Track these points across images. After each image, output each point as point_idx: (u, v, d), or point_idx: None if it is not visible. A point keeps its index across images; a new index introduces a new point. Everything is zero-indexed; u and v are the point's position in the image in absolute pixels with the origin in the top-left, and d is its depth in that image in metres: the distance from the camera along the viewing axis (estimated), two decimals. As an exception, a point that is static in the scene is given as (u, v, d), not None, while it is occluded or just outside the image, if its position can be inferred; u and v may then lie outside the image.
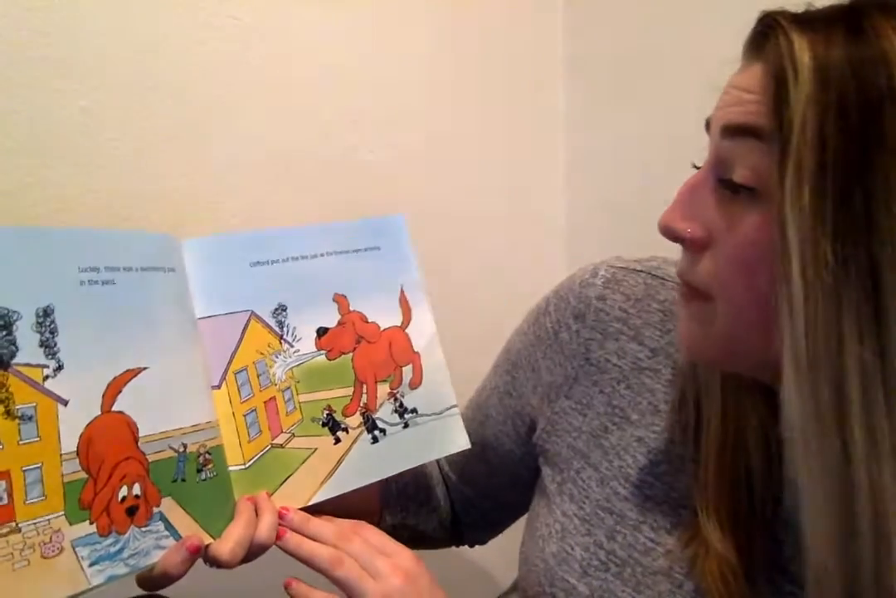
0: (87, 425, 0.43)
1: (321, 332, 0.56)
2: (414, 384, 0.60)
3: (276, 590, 0.52)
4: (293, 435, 0.54)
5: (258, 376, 0.53)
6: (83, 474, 0.43)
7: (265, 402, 0.53)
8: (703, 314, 0.45)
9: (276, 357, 0.54)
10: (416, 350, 0.60)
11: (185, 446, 0.47)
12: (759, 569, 0.47)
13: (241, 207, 0.79)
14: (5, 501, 0.40)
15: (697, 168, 0.45)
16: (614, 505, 0.53)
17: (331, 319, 0.57)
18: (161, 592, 0.47)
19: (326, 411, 0.55)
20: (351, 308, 0.58)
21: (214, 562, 0.47)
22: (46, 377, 0.42)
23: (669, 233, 0.45)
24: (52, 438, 0.42)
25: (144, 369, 0.46)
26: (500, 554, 0.80)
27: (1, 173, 0.66)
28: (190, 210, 0.76)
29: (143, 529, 0.45)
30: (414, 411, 0.59)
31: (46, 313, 0.43)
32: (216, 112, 0.77)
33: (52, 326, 0.43)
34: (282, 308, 0.55)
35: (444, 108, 0.95)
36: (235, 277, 0.53)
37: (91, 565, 0.42)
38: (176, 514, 0.46)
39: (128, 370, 0.46)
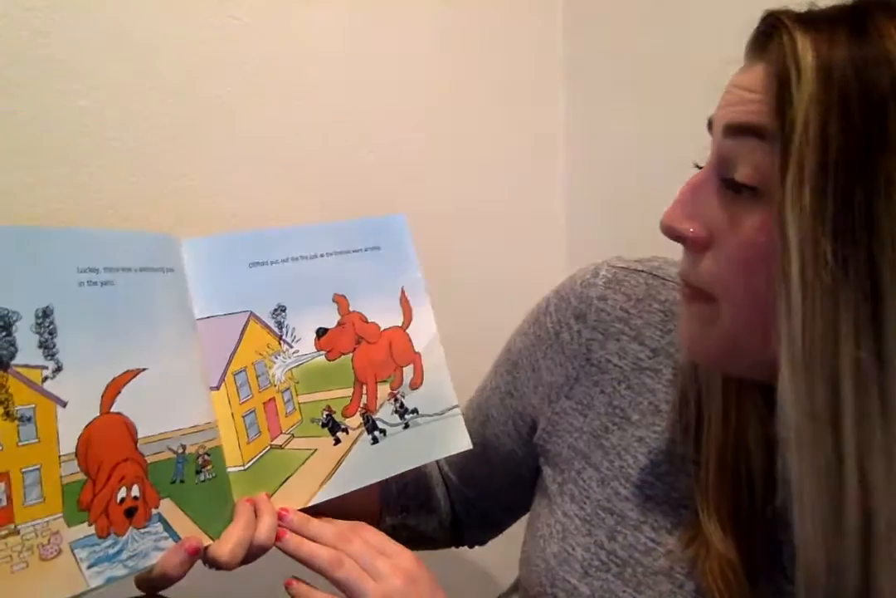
0: (86, 426, 0.43)
1: (321, 332, 0.56)
2: (415, 385, 0.59)
3: (275, 590, 0.51)
4: (292, 436, 0.53)
5: (257, 376, 0.53)
6: (82, 476, 0.42)
7: (264, 403, 0.52)
8: (706, 315, 0.45)
9: (276, 358, 0.53)
10: (416, 350, 0.60)
11: (183, 447, 0.47)
12: (759, 569, 0.47)
13: (241, 206, 0.78)
14: (4, 503, 0.39)
15: (699, 168, 0.45)
16: (615, 505, 0.53)
17: (330, 319, 0.56)
18: (161, 593, 0.46)
19: (326, 412, 0.55)
20: (351, 308, 0.57)
21: (214, 563, 0.46)
22: (45, 378, 0.42)
23: (671, 232, 0.45)
24: (51, 439, 0.41)
25: (143, 370, 0.46)
26: (500, 554, 0.80)
27: (1, 173, 0.66)
28: (190, 210, 0.75)
29: (142, 530, 0.44)
30: (414, 411, 0.59)
31: (45, 313, 0.42)
32: (216, 112, 0.77)
33: (52, 327, 0.42)
34: (281, 309, 0.54)
35: (444, 108, 0.94)
36: (234, 277, 0.53)
37: (90, 566, 0.42)
38: (175, 515, 0.46)
39: (127, 371, 0.45)
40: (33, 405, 0.41)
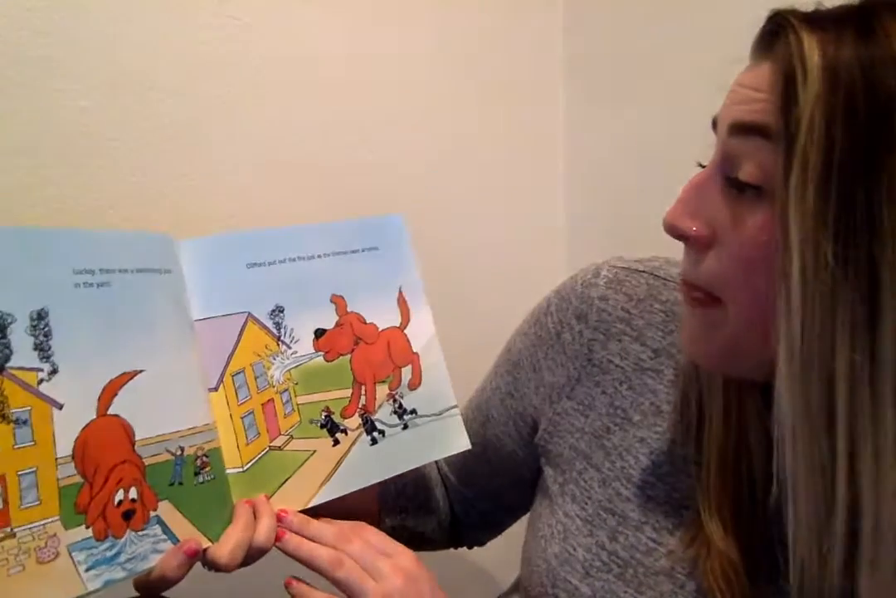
0: (83, 428, 0.42)
1: (319, 333, 0.55)
2: (413, 385, 0.59)
3: (276, 590, 0.51)
4: (291, 437, 0.53)
5: (256, 377, 0.52)
6: (79, 479, 0.42)
7: (263, 404, 0.52)
8: (711, 319, 0.44)
9: (274, 359, 0.53)
10: (415, 351, 0.60)
11: (182, 449, 0.47)
12: (760, 569, 0.47)
13: (241, 207, 0.78)
14: (0, 506, 0.39)
15: (702, 167, 0.45)
16: (616, 506, 0.52)
17: (329, 320, 0.56)
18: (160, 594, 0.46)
19: (325, 413, 0.54)
20: (349, 309, 0.57)
21: (213, 566, 0.46)
22: (41, 381, 0.41)
23: (674, 231, 0.44)
24: (47, 442, 0.41)
25: (140, 371, 0.46)
26: (500, 554, 0.79)
27: (1, 173, 0.66)
28: (189, 210, 0.75)
29: (140, 533, 0.44)
30: (413, 411, 0.58)
31: (41, 315, 0.42)
32: (216, 112, 0.76)
33: (47, 329, 0.42)
34: (279, 309, 0.54)
35: (444, 108, 0.94)
36: (232, 278, 0.52)
37: (87, 569, 0.41)
38: (173, 517, 0.46)
39: (124, 373, 0.45)
40: (29, 408, 0.41)
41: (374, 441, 0.56)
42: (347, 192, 0.85)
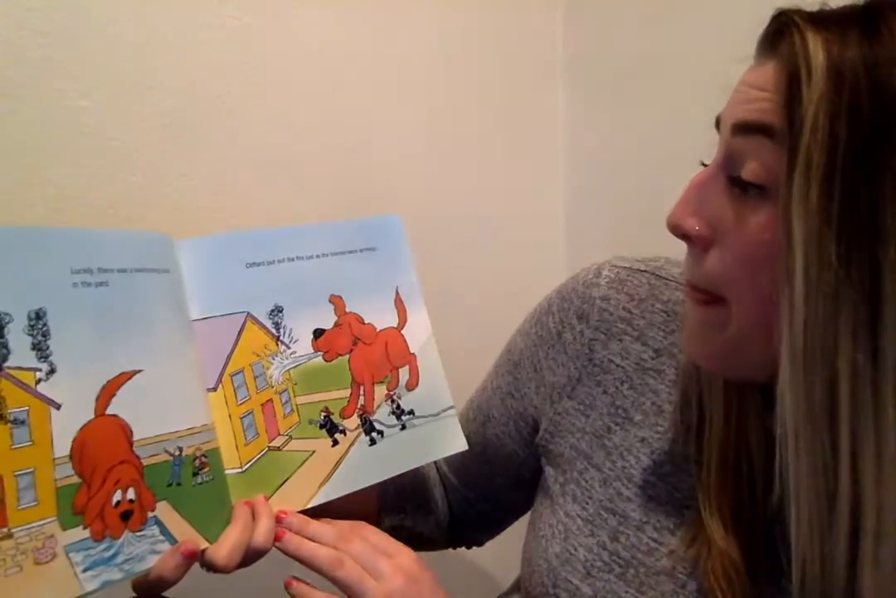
0: (81, 428, 0.42)
1: (318, 333, 0.55)
2: (411, 386, 0.59)
3: (276, 590, 0.51)
4: (290, 438, 0.52)
5: (255, 378, 0.52)
6: (76, 479, 0.41)
7: (262, 404, 0.52)
8: (715, 320, 0.44)
9: (273, 359, 0.53)
10: (412, 351, 0.59)
11: (180, 449, 0.46)
12: (761, 568, 0.47)
13: (241, 206, 0.78)
14: (-3, 506, 0.39)
15: (705, 166, 0.45)
16: (617, 506, 0.52)
17: (327, 320, 0.56)
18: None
19: (324, 413, 0.54)
20: (347, 309, 0.57)
21: (210, 567, 0.46)
22: (39, 381, 0.41)
23: (677, 230, 0.44)
24: (45, 442, 0.41)
25: (139, 371, 0.45)
26: (500, 554, 0.79)
27: (1, 173, 0.66)
28: (189, 210, 0.75)
29: (138, 534, 0.44)
30: (411, 412, 0.58)
31: (39, 315, 0.41)
32: (216, 112, 0.76)
33: (45, 328, 0.41)
34: (278, 309, 0.53)
35: (443, 107, 0.94)
36: (231, 278, 0.52)
37: (85, 570, 0.41)
38: (171, 518, 0.45)
39: (122, 373, 0.44)
40: (27, 408, 0.40)
41: (372, 442, 0.55)
42: (347, 192, 0.84)
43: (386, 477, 0.56)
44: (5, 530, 0.39)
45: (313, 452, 0.53)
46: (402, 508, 0.65)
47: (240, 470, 0.50)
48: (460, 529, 0.71)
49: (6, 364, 0.40)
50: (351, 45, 0.85)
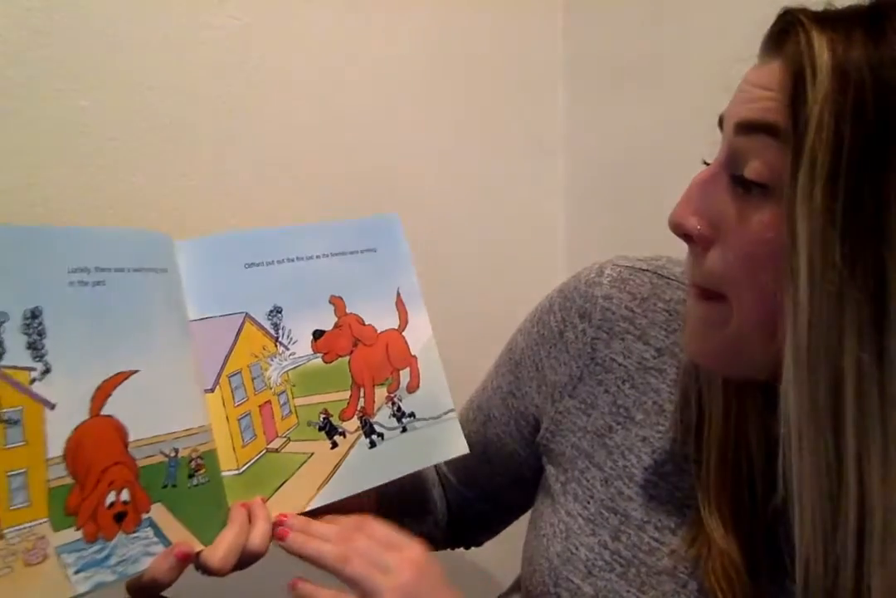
0: (75, 429, 0.41)
1: (317, 334, 0.54)
2: (411, 388, 0.58)
3: (276, 590, 0.50)
4: (289, 439, 0.52)
5: (253, 379, 0.51)
6: (69, 480, 0.41)
7: (260, 406, 0.51)
8: (716, 316, 0.44)
9: (272, 360, 0.52)
10: (413, 353, 0.58)
11: (176, 450, 0.45)
12: (762, 568, 0.46)
13: (241, 206, 0.78)
14: (-11, 507, 0.38)
15: (707, 165, 0.45)
16: (619, 505, 0.52)
17: (327, 321, 0.55)
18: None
19: (323, 415, 0.53)
20: (348, 310, 0.56)
21: (205, 569, 0.45)
22: (33, 380, 0.40)
23: (679, 229, 0.44)
24: (38, 442, 0.40)
25: (135, 371, 0.45)
26: (500, 554, 0.79)
27: (1, 173, 0.65)
28: (189, 210, 0.75)
29: (132, 535, 0.43)
30: (412, 415, 0.57)
31: (34, 314, 0.41)
32: (216, 112, 0.76)
33: (40, 328, 0.41)
34: (277, 310, 0.53)
35: (443, 108, 0.94)
36: (230, 278, 0.51)
37: (77, 572, 0.40)
38: (166, 520, 0.44)
39: (118, 373, 0.44)
40: (20, 408, 0.40)
41: (372, 444, 0.55)
42: (347, 192, 0.84)
43: (386, 480, 0.55)
44: (-3, 531, 0.38)
45: (312, 454, 0.52)
46: (400, 508, 0.65)
47: (237, 472, 0.49)
48: (459, 529, 0.70)
49: (1, 363, 0.39)
50: (351, 45, 0.84)
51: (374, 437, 0.55)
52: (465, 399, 0.67)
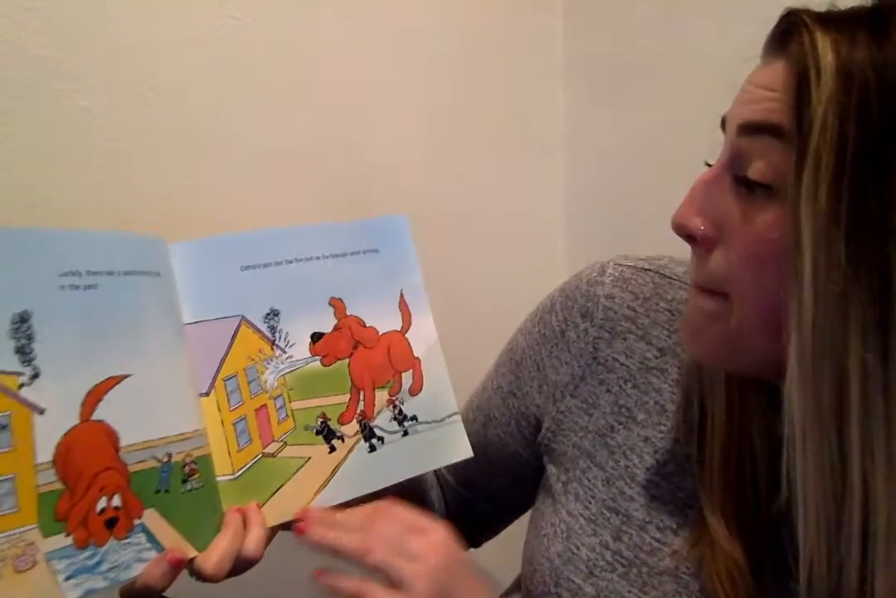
0: (65, 434, 0.40)
1: (316, 337, 0.53)
2: (414, 391, 0.56)
3: (277, 590, 0.49)
4: (285, 444, 0.50)
5: (248, 382, 0.50)
6: (59, 485, 0.40)
7: (256, 409, 0.50)
8: (715, 311, 0.44)
9: (268, 363, 0.51)
10: (416, 356, 0.57)
11: (169, 455, 0.44)
12: (765, 569, 0.46)
13: (241, 207, 0.77)
14: (-24, 514, 0.37)
15: (709, 166, 0.44)
16: (620, 505, 0.51)
17: (327, 323, 0.54)
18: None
19: (321, 419, 0.52)
20: (348, 312, 0.55)
21: (199, 576, 0.44)
22: (22, 385, 0.39)
23: (682, 230, 0.44)
24: (27, 447, 0.39)
25: (127, 376, 0.43)
26: (500, 554, 0.78)
27: (1, 173, 0.65)
28: (190, 210, 0.74)
29: (124, 541, 0.42)
30: (414, 418, 0.56)
31: (23, 318, 0.40)
32: (216, 112, 0.75)
33: (29, 332, 0.40)
34: (274, 313, 0.52)
35: (443, 108, 0.93)
36: (225, 281, 0.50)
37: (67, 578, 0.39)
38: (159, 526, 0.43)
39: (109, 378, 0.43)
40: (8, 413, 0.39)
41: (372, 448, 0.53)
42: (347, 192, 0.84)
43: (386, 484, 0.54)
44: (-16, 537, 0.37)
45: (309, 458, 0.51)
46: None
47: (232, 477, 0.48)
48: (458, 530, 0.69)
49: (-12, 368, 0.38)
50: (351, 45, 0.84)
51: (373, 441, 0.54)
52: (464, 399, 0.67)
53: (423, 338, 0.58)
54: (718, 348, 0.45)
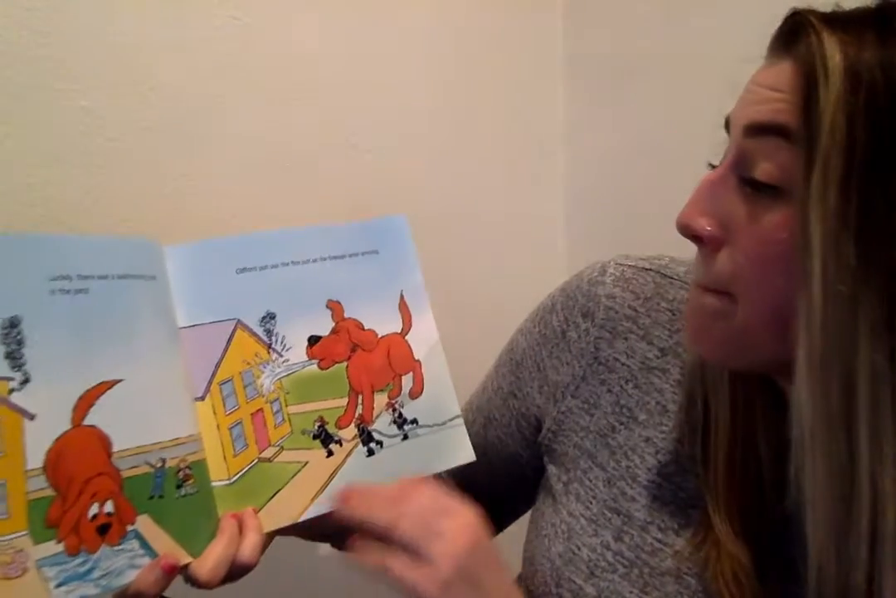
0: (56, 439, 0.40)
1: (313, 340, 0.52)
2: (415, 394, 0.55)
3: (277, 590, 0.48)
4: (282, 448, 0.49)
5: (244, 387, 0.49)
6: (50, 492, 0.39)
7: (252, 414, 0.48)
8: (719, 309, 0.43)
9: (264, 367, 0.50)
10: (416, 358, 0.56)
11: (163, 460, 0.43)
12: (772, 570, 0.45)
13: (241, 207, 0.76)
14: (-34, 521, 0.36)
15: (713, 167, 0.44)
16: (621, 506, 0.51)
17: (324, 326, 0.52)
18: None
19: (318, 423, 0.51)
20: (346, 315, 0.53)
21: (194, 582, 0.43)
22: (12, 390, 0.39)
23: (688, 230, 0.43)
24: (17, 453, 0.38)
25: (119, 381, 0.42)
26: (500, 554, 0.77)
27: (1, 173, 0.64)
28: (189, 210, 0.74)
29: (116, 548, 0.41)
30: (414, 421, 0.54)
31: (13, 323, 0.39)
32: (216, 112, 0.75)
33: (19, 337, 0.39)
34: (270, 316, 0.50)
35: (443, 108, 0.93)
36: (220, 284, 0.49)
37: (58, 585, 0.39)
38: (153, 532, 0.42)
39: (102, 383, 0.42)
40: None
41: (370, 452, 0.52)
42: (347, 192, 0.83)
43: None
44: (-27, 545, 0.36)
45: (306, 463, 0.50)
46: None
47: (227, 482, 0.47)
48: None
49: (-23, 374, 0.37)
50: (350, 45, 0.83)
51: (372, 445, 0.53)
52: (463, 400, 0.66)
53: (423, 339, 0.56)
54: (722, 346, 0.44)
